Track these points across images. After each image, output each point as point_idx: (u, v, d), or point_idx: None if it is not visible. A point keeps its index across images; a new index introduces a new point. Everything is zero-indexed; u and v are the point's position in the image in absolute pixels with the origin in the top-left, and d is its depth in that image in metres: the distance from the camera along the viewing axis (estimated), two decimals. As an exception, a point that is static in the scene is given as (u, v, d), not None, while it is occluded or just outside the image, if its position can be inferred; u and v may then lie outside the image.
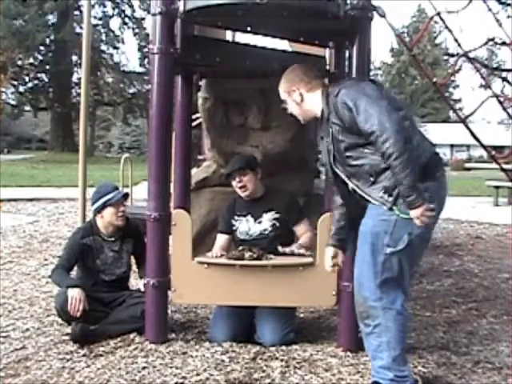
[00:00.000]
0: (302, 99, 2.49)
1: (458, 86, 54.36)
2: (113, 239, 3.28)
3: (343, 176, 2.39)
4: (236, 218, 3.23)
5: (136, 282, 3.54)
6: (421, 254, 2.45)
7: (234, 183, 3.20)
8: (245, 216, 3.21)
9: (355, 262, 2.39)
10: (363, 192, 2.33)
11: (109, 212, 3.22)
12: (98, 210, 3.25)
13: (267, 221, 3.16)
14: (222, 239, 3.24)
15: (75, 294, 2.99)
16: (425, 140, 2.35)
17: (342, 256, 2.59)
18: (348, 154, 2.32)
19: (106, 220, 3.24)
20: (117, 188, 3.36)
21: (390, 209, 2.24)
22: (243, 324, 3.07)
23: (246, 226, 3.19)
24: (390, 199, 2.23)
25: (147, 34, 27.59)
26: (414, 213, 2.16)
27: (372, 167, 2.27)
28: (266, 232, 3.15)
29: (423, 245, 2.37)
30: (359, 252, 2.36)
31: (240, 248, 3.00)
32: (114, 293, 3.22)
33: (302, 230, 3.18)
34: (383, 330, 2.29)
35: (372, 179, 2.29)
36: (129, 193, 3.66)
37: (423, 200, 2.15)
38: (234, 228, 3.22)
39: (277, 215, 3.14)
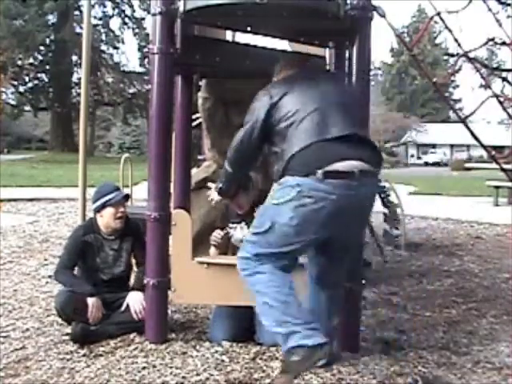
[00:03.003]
0: None
1: (458, 86, 54.46)
2: (113, 237, 3.28)
3: None
4: (230, 225, 3.22)
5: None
6: (290, 244, 2.38)
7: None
8: (239, 223, 3.20)
9: None
10: None
11: (108, 212, 3.22)
12: (98, 210, 3.25)
13: None
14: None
15: (95, 303, 3.04)
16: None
17: None
18: None
19: (105, 220, 3.24)
20: (118, 188, 3.36)
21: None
22: (243, 324, 3.07)
23: (241, 234, 3.17)
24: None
25: (147, 34, 27.60)
26: None
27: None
28: None
29: (288, 234, 2.35)
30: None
31: None
32: (114, 293, 3.21)
33: None
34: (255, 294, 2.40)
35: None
36: (129, 194, 3.66)
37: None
38: (230, 235, 3.21)
39: None
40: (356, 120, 2.52)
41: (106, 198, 3.22)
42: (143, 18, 31.80)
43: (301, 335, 2.25)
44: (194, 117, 4.08)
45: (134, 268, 3.38)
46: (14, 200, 9.47)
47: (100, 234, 3.26)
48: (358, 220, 2.55)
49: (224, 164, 2.71)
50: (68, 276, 3.18)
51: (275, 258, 2.37)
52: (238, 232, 3.18)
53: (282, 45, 3.72)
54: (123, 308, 3.13)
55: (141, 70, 32.56)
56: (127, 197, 3.38)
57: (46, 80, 32.93)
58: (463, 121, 4.55)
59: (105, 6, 32.13)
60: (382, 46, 64.32)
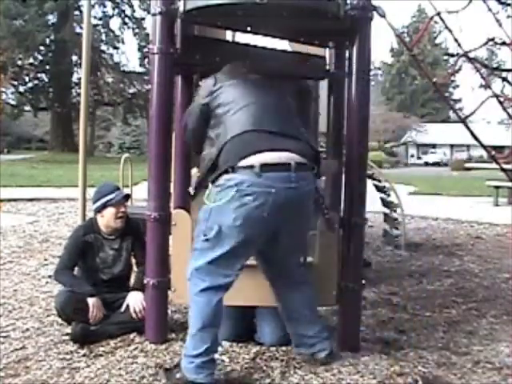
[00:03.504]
0: None
1: (458, 86, 54.49)
2: (113, 237, 3.28)
3: None
4: None
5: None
6: (240, 245, 2.40)
7: None
8: None
9: None
10: None
11: (109, 212, 3.22)
12: (99, 210, 3.25)
13: None
14: None
15: (95, 303, 3.04)
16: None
17: None
18: None
19: (106, 220, 3.24)
20: (118, 188, 3.36)
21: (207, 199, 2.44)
22: (243, 324, 3.07)
23: None
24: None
25: (147, 34, 27.59)
26: None
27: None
28: None
29: (236, 236, 2.37)
30: None
31: None
32: (114, 293, 3.21)
33: None
34: (190, 308, 2.47)
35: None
36: (130, 194, 3.66)
37: None
38: None
39: None
40: (289, 124, 2.53)
41: (107, 198, 3.22)
42: (143, 18, 31.80)
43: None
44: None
45: (134, 268, 3.38)
46: (14, 200, 9.46)
47: (100, 234, 3.26)
48: (298, 217, 2.46)
49: None
50: (68, 276, 3.18)
51: (224, 262, 2.42)
52: None
53: (282, 45, 3.72)
54: (123, 308, 3.12)
55: (141, 70, 32.52)
56: (128, 196, 3.38)
57: (46, 80, 32.90)
58: (463, 121, 4.55)
59: (105, 6, 32.13)
60: (382, 45, 64.39)
